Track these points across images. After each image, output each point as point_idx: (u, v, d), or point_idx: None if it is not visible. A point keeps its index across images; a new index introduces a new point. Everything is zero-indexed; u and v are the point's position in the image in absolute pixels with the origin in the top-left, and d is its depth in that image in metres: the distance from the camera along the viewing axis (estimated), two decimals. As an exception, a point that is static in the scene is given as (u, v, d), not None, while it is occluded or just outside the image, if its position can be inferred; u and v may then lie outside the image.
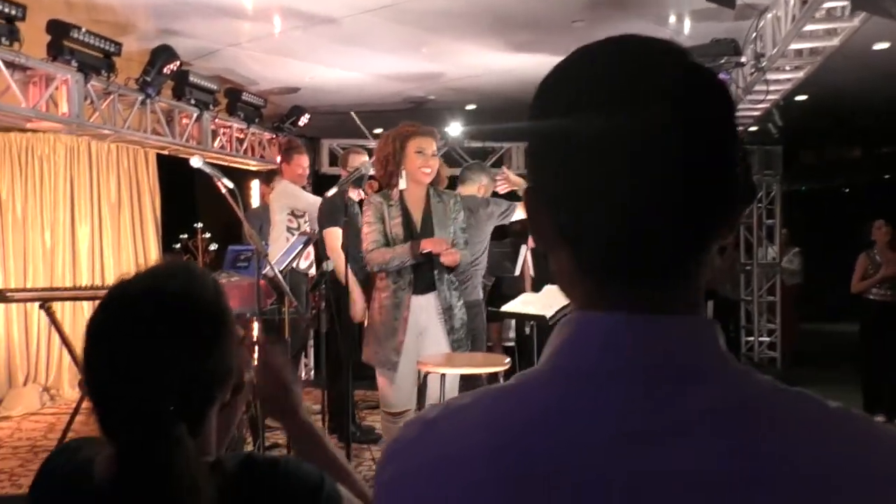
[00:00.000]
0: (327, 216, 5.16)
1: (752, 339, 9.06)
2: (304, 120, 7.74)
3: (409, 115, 8.74)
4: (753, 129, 8.85)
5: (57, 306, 5.51)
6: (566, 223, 0.74)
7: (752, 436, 0.67)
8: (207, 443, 1.19)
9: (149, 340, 1.11)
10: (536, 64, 6.92)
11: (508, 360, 3.95)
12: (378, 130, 9.48)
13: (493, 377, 3.86)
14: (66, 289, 6.38)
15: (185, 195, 8.74)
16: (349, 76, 7.27)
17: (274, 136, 7.91)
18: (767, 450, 0.67)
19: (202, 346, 1.15)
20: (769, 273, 9.14)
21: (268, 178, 7.39)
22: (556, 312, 5.22)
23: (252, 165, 8.01)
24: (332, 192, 4.31)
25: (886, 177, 13.90)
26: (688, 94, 0.73)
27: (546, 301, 5.35)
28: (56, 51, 4.95)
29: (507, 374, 4.17)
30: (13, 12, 4.57)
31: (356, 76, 7.29)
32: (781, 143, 9.72)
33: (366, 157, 5.28)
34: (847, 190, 16.43)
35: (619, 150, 0.71)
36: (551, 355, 0.75)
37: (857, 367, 7.34)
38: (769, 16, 4.88)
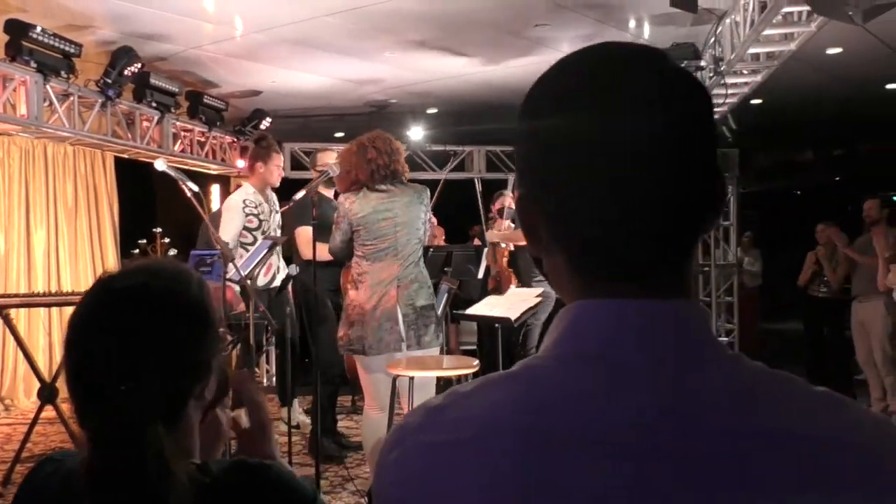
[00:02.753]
0: (297, 216, 5.11)
1: (710, 338, 9.20)
2: (265, 123, 7.70)
3: (371, 118, 8.74)
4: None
5: (12, 313, 5.39)
6: (558, 228, 0.77)
7: (755, 415, 0.71)
8: (189, 443, 1.19)
9: (129, 333, 1.12)
10: (498, 68, 6.98)
11: (477, 361, 3.96)
12: (339, 134, 9.49)
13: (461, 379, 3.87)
14: (23, 295, 6.25)
15: (143, 200, 8.64)
16: (311, 79, 7.26)
17: (235, 139, 7.84)
18: (771, 426, 0.70)
19: (181, 341, 1.16)
20: (727, 274, 9.29)
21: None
22: (521, 314, 5.26)
23: (213, 169, 7.94)
24: (300, 194, 4.28)
25: (837, 179, 14.23)
26: (669, 95, 0.76)
27: (511, 303, 5.38)
28: (14, 51, 4.86)
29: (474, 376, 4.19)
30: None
31: (318, 79, 7.28)
32: (736, 146, 9.89)
33: (333, 155, 5.21)
34: (799, 192, 16.79)
35: (604, 153, 0.73)
36: (556, 341, 0.77)
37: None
38: (728, 21, 4.98)
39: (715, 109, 6.28)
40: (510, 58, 6.70)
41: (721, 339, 8.95)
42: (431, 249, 6.77)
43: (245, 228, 5.35)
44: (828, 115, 9.47)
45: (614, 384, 0.72)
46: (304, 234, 5.04)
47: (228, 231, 5.23)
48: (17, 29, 4.83)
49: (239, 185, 8.89)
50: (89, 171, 8.11)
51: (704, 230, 0.79)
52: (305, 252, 5.05)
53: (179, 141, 7.01)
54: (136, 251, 8.11)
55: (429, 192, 4.24)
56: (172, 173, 4.13)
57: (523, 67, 6.92)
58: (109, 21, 5.57)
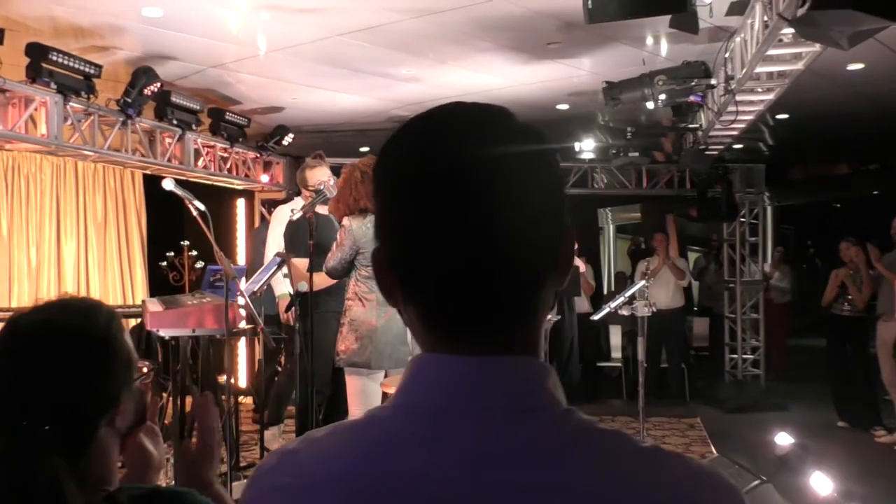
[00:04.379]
0: (291, 243, 5.07)
1: (735, 356, 9.08)
2: (288, 139, 7.80)
3: (391, 134, 8.80)
4: (737, 146, 8.94)
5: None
6: (407, 284, 0.81)
7: (570, 471, 0.73)
8: (101, 472, 1.24)
9: (28, 368, 1.19)
10: (517, 85, 7.00)
11: None
12: (364, 149, 9.57)
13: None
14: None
15: (172, 213, 8.78)
16: (331, 97, 7.34)
17: (258, 154, 7.96)
18: (583, 484, 0.72)
19: (83, 374, 1.22)
20: (752, 291, 9.17)
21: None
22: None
23: (237, 184, 8.07)
24: (296, 216, 4.35)
25: (875, 193, 13.96)
26: (504, 157, 0.78)
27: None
28: (35, 73, 5.01)
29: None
30: (-9, 37, 4.64)
31: (338, 96, 7.36)
32: (765, 160, 9.80)
33: (327, 171, 5.13)
34: (838, 205, 16.50)
35: (440, 216, 0.77)
36: (397, 392, 0.81)
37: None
38: (738, 39, 4.95)
39: (730, 127, 6.28)
40: (529, 75, 6.71)
41: (746, 356, 8.89)
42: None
43: None
44: (860, 130, 9.32)
45: (438, 436, 0.75)
46: (300, 266, 4.86)
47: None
48: (38, 52, 4.98)
49: (263, 201, 9.09)
50: (118, 186, 8.31)
51: (547, 287, 0.82)
52: (297, 283, 4.88)
53: (202, 157, 7.13)
54: (164, 263, 8.27)
55: None
56: (179, 192, 4.23)
57: (543, 84, 6.94)
58: (132, 42, 5.71)
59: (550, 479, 0.72)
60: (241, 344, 8.23)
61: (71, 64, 5.19)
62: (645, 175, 9.10)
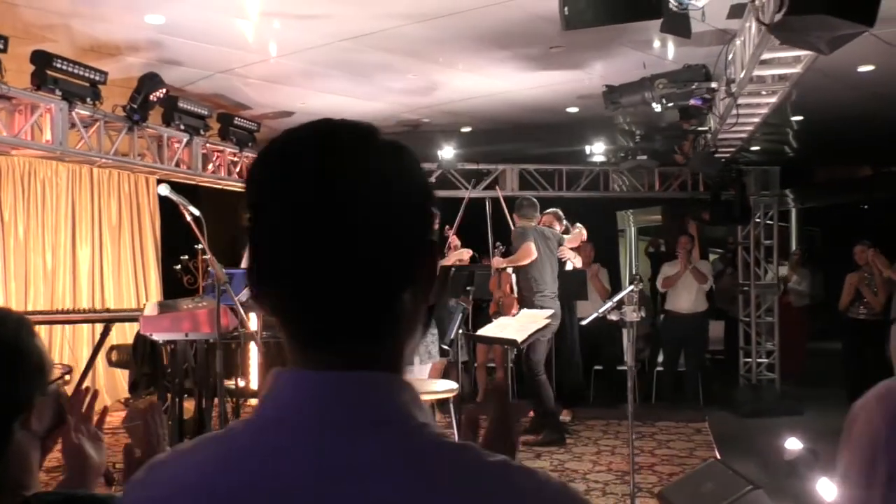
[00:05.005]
0: None
1: (749, 360, 8.97)
2: (297, 143, 7.83)
3: (405, 138, 8.80)
4: (755, 148, 8.85)
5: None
6: (267, 302, 0.83)
7: (413, 485, 0.74)
8: (17, 474, 1.27)
9: None
10: (524, 89, 6.99)
11: (457, 386, 4.02)
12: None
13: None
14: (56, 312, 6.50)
15: (187, 218, 8.87)
16: (341, 101, 7.37)
17: (269, 159, 8.02)
18: (426, 499, 0.73)
19: None
20: (768, 294, 9.05)
21: None
22: (529, 336, 5.26)
23: (251, 188, 8.13)
24: None
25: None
26: (361, 173, 0.79)
27: (521, 325, 5.39)
28: (40, 80, 5.09)
29: (457, 399, 4.25)
30: (-5, 45, 4.72)
31: (349, 101, 7.39)
32: (788, 162, 9.69)
33: None
34: (865, 207, 16.22)
35: (286, 233, 0.79)
36: (256, 405, 0.84)
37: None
38: (738, 42, 4.90)
39: (734, 129, 6.20)
40: (536, 78, 6.69)
41: (761, 360, 8.77)
42: (454, 268, 6.82)
43: None
44: (879, 131, 9.17)
45: (280, 448, 0.77)
46: None
47: None
48: (42, 59, 5.07)
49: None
50: (133, 190, 8.42)
51: (407, 303, 0.82)
52: None
53: (211, 162, 7.19)
54: (178, 266, 8.35)
55: None
56: (175, 197, 4.29)
57: (550, 87, 6.92)
58: (138, 48, 5.79)
59: (393, 492, 0.73)
60: (253, 347, 8.30)
61: (76, 71, 5.27)
62: (658, 178, 9.03)
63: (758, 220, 8.94)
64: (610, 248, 12.44)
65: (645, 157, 7.12)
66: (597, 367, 8.76)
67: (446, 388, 4.02)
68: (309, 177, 0.78)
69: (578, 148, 8.42)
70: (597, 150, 8.18)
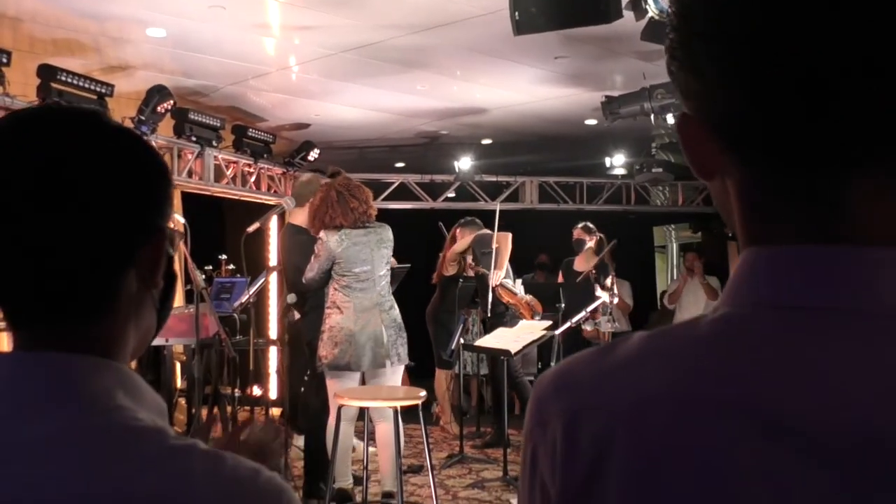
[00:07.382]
0: (292, 250, 5.23)
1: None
2: (313, 155, 7.89)
3: (424, 149, 8.84)
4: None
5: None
6: None
7: (77, 471, 0.72)
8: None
9: None
10: (539, 100, 6.94)
11: (424, 392, 4.08)
12: (399, 164, 9.63)
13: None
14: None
15: (210, 228, 9.00)
16: (355, 112, 7.41)
17: (285, 170, 8.10)
18: (90, 475, 0.72)
19: None
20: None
21: None
22: (523, 347, 5.21)
23: (271, 200, 8.22)
24: (252, 227, 4.66)
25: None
26: (76, 156, 0.80)
27: (517, 336, 5.34)
28: (44, 93, 5.20)
29: (426, 404, 4.28)
30: (-1, 58, 4.84)
31: (364, 112, 7.42)
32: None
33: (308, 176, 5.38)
34: None
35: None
36: None
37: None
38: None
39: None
40: (550, 90, 6.64)
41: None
42: (461, 280, 6.77)
43: None
44: None
45: None
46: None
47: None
48: (47, 73, 5.18)
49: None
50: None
51: (125, 287, 0.83)
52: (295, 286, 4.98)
53: (225, 174, 7.28)
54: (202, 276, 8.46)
55: (390, 229, 4.75)
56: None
57: (566, 98, 6.85)
58: (145, 61, 5.91)
59: (58, 470, 0.72)
60: (273, 354, 8.37)
61: (81, 84, 5.37)
62: (681, 191, 8.88)
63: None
64: (643, 262, 12.26)
65: (661, 170, 7.00)
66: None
67: (412, 395, 4.01)
68: (27, 161, 0.79)
69: (598, 161, 8.32)
70: (617, 163, 8.08)
